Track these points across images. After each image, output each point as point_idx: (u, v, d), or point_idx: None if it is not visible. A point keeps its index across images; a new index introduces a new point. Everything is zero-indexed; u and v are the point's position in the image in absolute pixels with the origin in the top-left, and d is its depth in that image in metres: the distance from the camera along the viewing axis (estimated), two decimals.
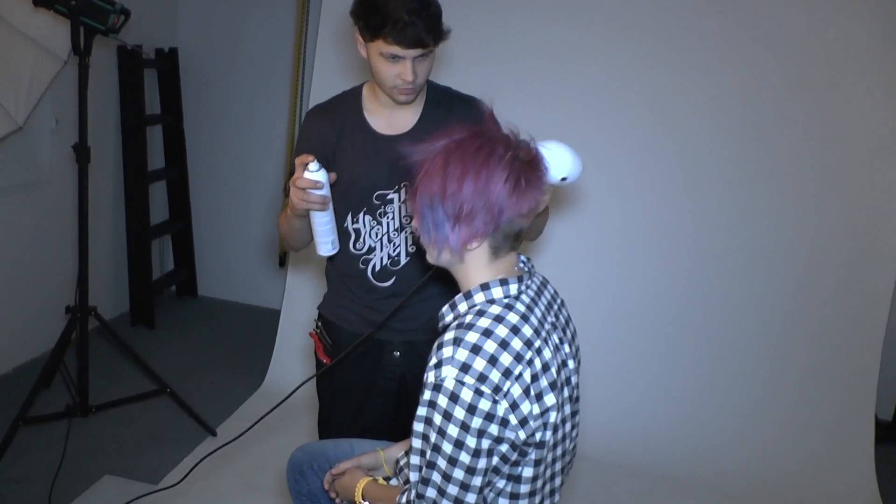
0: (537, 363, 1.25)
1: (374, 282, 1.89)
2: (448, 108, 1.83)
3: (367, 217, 1.85)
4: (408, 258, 1.88)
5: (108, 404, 2.94)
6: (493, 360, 1.19)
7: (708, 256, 3.16)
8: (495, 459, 1.22)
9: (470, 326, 1.24)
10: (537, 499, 1.31)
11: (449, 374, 1.19)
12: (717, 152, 3.11)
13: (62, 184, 3.57)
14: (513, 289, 1.30)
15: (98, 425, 3.01)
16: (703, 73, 3.08)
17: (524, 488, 1.28)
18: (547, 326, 1.32)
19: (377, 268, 1.89)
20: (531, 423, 1.23)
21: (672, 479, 3.05)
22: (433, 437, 1.21)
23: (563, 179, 1.43)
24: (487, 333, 1.22)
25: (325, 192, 1.64)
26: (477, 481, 1.20)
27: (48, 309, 3.48)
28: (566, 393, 1.34)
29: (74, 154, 2.66)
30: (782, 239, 3.11)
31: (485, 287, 1.30)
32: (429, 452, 1.22)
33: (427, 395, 1.22)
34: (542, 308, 1.35)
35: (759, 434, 3.16)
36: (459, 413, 1.18)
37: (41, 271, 3.59)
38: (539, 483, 1.30)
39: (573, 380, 1.39)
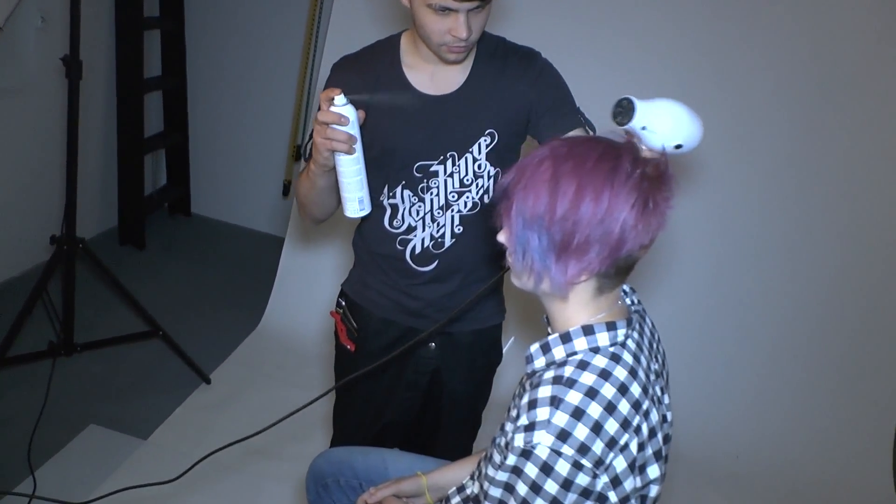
0: (644, 429, 1.02)
1: (413, 265, 1.63)
2: (502, 63, 1.55)
3: (407, 192, 1.58)
4: (453, 240, 1.61)
5: (95, 343, 2.70)
6: (597, 428, 0.97)
7: (739, 248, 2.93)
8: None
9: (572, 383, 1.00)
10: None
11: (543, 440, 0.96)
12: (749, 144, 2.84)
13: (50, 91, 3.20)
14: (620, 334, 1.05)
15: (83, 366, 2.78)
16: (738, 59, 2.79)
17: None
18: (652, 378, 1.09)
19: (417, 250, 1.62)
20: (632, 500, 1.01)
21: (697, 472, 2.88)
22: None
23: (678, 147, 1.13)
24: (592, 394, 0.98)
25: (353, 129, 1.37)
26: None
27: (30, 226, 3.20)
28: (664, 452, 1.10)
29: (64, 67, 2.33)
30: (817, 229, 2.87)
31: (588, 331, 1.05)
32: None
33: (511, 460, 0.99)
34: (646, 352, 1.10)
35: (792, 429, 2.99)
36: (551, 487, 0.96)
37: (24, 185, 3.28)
38: None
39: (670, 434, 1.15)
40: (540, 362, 1.08)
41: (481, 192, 1.58)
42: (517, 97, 1.54)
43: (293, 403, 2.88)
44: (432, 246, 1.62)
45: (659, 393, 1.10)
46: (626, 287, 1.18)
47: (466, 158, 1.55)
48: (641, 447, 1.01)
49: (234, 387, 2.86)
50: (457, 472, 1.42)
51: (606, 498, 0.99)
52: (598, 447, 0.96)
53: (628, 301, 1.17)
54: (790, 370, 2.98)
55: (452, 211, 1.59)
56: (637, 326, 1.11)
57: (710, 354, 3.00)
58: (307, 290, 3.31)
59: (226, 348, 3.10)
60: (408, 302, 1.67)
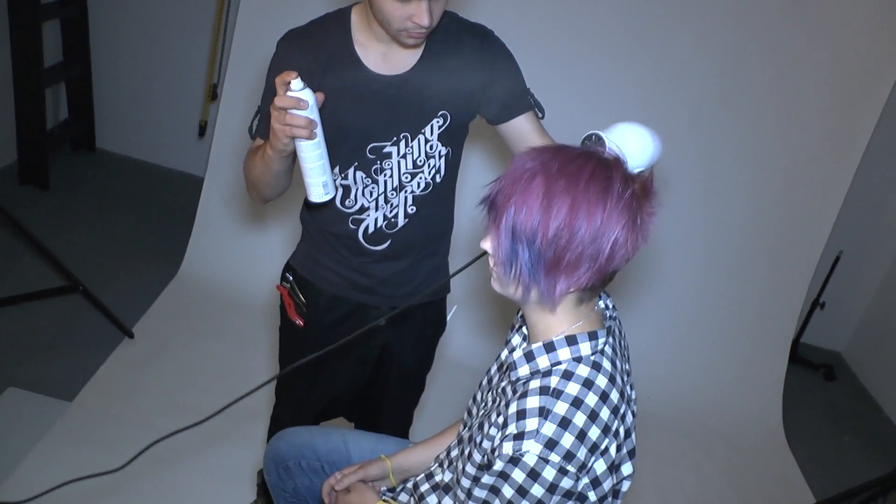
0: (621, 431, 1.11)
1: (366, 244, 1.63)
2: (455, 42, 1.53)
3: (360, 174, 1.56)
4: (406, 220, 1.62)
5: (7, 300, 2.58)
6: (581, 436, 1.04)
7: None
8: None
9: (558, 394, 1.06)
10: None
11: (532, 449, 1.02)
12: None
13: None
14: (601, 343, 1.11)
15: None
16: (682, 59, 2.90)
17: None
18: (626, 378, 1.17)
19: (371, 230, 1.62)
20: (609, 498, 1.10)
21: None
22: None
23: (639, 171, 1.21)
24: (577, 403, 1.05)
25: (312, 114, 1.33)
26: None
27: None
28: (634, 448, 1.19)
29: None
30: (724, 183, 3.06)
31: (571, 341, 1.10)
32: None
33: (499, 465, 1.05)
34: (620, 354, 1.17)
35: (684, 360, 3.23)
36: (537, 491, 1.03)
37: None
38: None
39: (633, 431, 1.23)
40: (524, 370, 1.12)
41: (433, 171, 1.59)
42: (470, 77, 1.53)
43: (221, 359, 2.89)
44: (385, 226, 1.61)
45: (630, 391, 1.18)
46: (602, 293, 1.23)
47: (419, 139, 1.54)
48: (619, 448, 1.09)
49: (159, 341, 2.80)
50: (420, 455, 1.48)
51: (586, 497, 1.06)
52: (581, 453, 1.03)
53: (602, 304, 1.22)
54: (693, 314, 3.19)
55: (406, 192, 1.59)
56: (615, 331, 1.17)
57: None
58: (228, 234, 3.23)
59: (146, 298, 3.02)
60: (359, 279, 1.68)
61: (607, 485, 1.08)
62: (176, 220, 3.48)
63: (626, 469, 1.13)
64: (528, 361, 1.12)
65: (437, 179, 1.60)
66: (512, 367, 1.15)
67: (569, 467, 1.02)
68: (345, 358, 1.77)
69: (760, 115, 2.97)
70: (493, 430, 1.10)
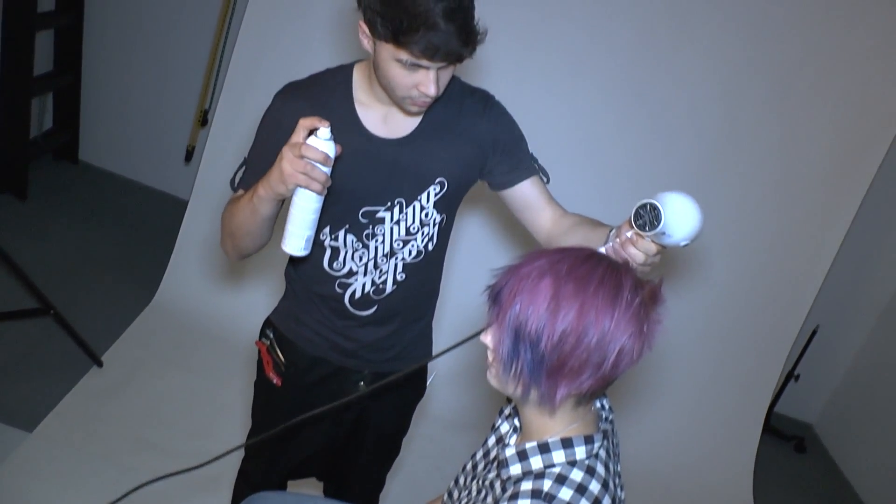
0: None
1: (351, 309, 1.58)
2: (457, 107, 1.49)
3: (351, 237, 1.51)
4: (395, 286, 1.57)
5: None
6: None
7: None
8: None
9: (551, 499, 1.02)
10: None
11: None
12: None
13: None
14: (596, 447, 1.08)
15: None
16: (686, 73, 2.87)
17: None
18: (618, 481, 1.14)
19: (357, 294, 1.57)
20: None
21: None
22: None
23: (685, 245, 1.17)
24: None
25: (329, 171, 1.28)
26: None
27: None
28: None
29: None
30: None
31: (567, 444, 1.07)
32: None
33: None
34: (613, 457, 1.15)
35: (658, 428, 3.21)
36: None
37: None
38: None
39: None
40: (516, 469, 1.09)
41: (426, 239, 1.55)
42: (472, 144, 1.50)
43: (191, 393, 2.82)
44: (373, 292, 1.57)
45: (620, 494, 1.15)
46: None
47: (414, 206, 1.50)
48: None
49: (128, 370, 2.73)
50: None
51: None
52: None
53: (598, 405, 1.20)
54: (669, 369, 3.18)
55: (396, 259, 1.54)
56: (609, 434, 1.15)
57: None
58: (207, 262, 3.18)
59: (118, 324, 2.94)
60: (342, 342, 1.63)
61: None
62: (156, 242, 3.41)
63: None
64: (520, 461, 1.09)
65: (430, 247, 1.56)
66: (503, 464, 1.11)
67: None
68: (320, 420, 1.71)
69: (747, 186, 2.98)
70: None
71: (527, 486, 1.05)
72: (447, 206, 1.54)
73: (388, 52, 1.28)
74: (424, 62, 1.27)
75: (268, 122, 1.46)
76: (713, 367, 3.21)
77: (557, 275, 1.00)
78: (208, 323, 3.08)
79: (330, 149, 1.26)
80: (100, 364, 2.68)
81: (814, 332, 3.48)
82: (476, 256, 2.86)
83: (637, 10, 2.80)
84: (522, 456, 1.09)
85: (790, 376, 3.49)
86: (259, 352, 1.72)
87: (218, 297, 3.14)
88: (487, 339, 1.07)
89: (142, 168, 3.98)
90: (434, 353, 1.81)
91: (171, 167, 3.86)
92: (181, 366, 2.85)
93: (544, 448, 1.08)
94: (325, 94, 1.46)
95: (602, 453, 1.10)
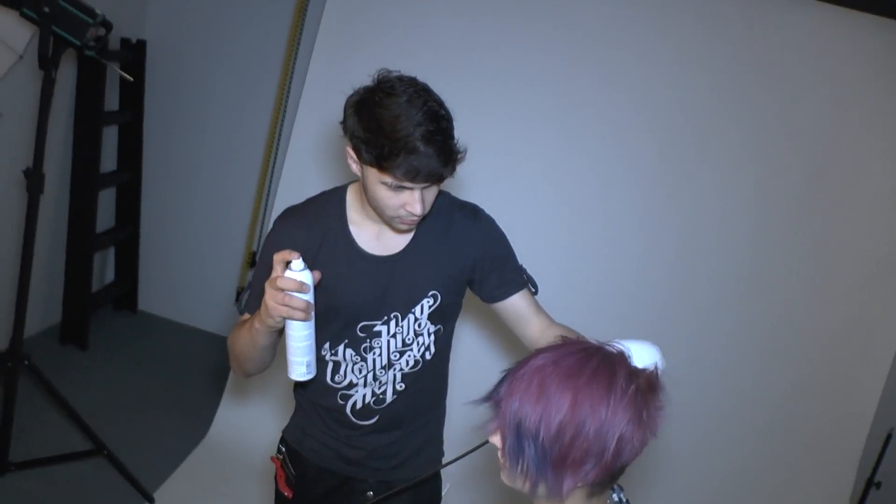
0: None
1: (354, 419, 1.61)
2: (447, 222, 1.55)
3: (350, 351, 1.56)
4: (395, 396, 1.60)
5: (32, 462, 2.56)
6: None
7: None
8: None
9: None
10: None
11: None
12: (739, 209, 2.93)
13: (3, 187, 3.11)
14: None
15: (16, 486, 2.61)
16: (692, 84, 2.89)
17: None
18: None
19: (359, 405, 1.60)
20: None
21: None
22: None
23: None
24: None
25: (311, 297, 1.32)
26: None
27: None
28: None
29: (24, 178, 2.27)
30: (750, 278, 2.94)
31: None
32: None
33: None
34: None
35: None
36: None
37: None
38: None
39: None
40: None
41: (423, 349, 1.58)
42: (462, 257, 1.55)
43: None
44: (374, 402, 1.60)
45: None
46: (614, 487, 1.17)
47: (409, 319, 1.54)
48: None
49: None
50: None
51: None
52: None
53: (616, 498, 1.16)
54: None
55: (394, 370, 1.57)
56: None
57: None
58: (259, 400, 3.21)
59: (171, 461, 2.97)
60: (347, 452, 1.64)
61: None
62: (209, 382, 3.48)
63: None
64: None
65: (427, 356, 1.59)
66: None
67: None
68: None
69: (794, 288, 2.92)
70: None
71: None
72: (442, 316, 1.58)
73: (373, 175, 1.35)
74: (408, 184, 1.33)
75: (270, 245, 1.52)
76: (785, 474, 3.03)
77: (551, 369, 1.01)
78: (261, 460, 3.07)
79: (305, 277, 1.30)
80: (151, 500, 2.69)
81: (888, 438, 3.28)
82: (485, 357, 2.84)
83: (658, 127, 2.89)
84: None
85: (870, 483, 3.27)
86: (276, 467, 1.74)
87: (270, 434, 3.14)
88: (496, 439, 1.07)
89: (195, 312, 4.12)
90: (445, 458, 1.79)
91: (221, 308, 3.99)
92: (231, 500, 2.83)
93: None
94: (320, 216, 1.53)
95: None
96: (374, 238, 1.51)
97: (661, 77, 2.85)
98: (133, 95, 3.85)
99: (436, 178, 1.34)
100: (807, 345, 2.95)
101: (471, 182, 2.62)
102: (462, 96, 2.74)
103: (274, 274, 1.31)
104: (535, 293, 1.63)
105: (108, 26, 2.17)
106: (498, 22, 2.93)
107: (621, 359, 1.03)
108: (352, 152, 1.39)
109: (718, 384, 2.97)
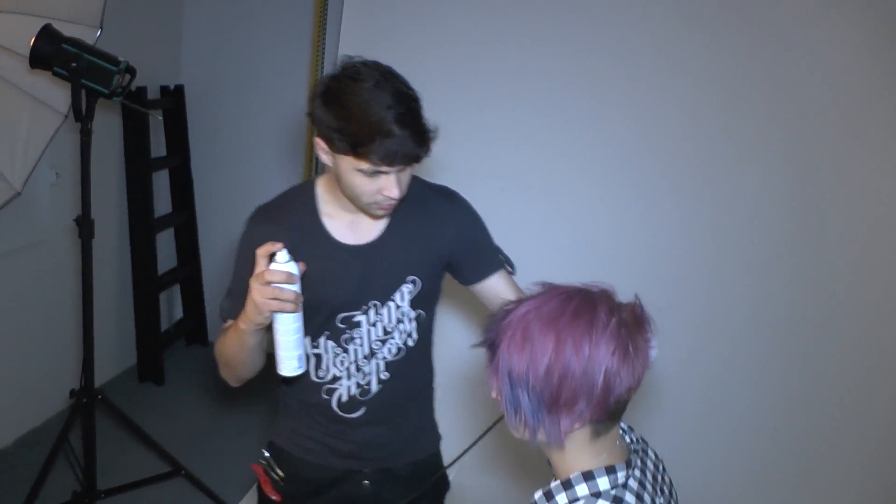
0: None
1: (341, 413, 1.59)
2: (422, 207, 1.54)
3: (330, 343, 1.54)
4: (380, 386, 1.57)
5: (119, 488, 2.71)
6: None
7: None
8: None
9: None
10: None
11: None
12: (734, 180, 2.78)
13: (66, 244, 3.33)
14: (620, 476, 1.07)
15: None
16: (696, 76, 2.77)
17: None
18: None
19: (344, 398, 1.58)
20: None
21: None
22: None
23: None
24: None
25: (299, 287, 1.32)
26: None
27: (50, 376, 3.26)
28: None
29: (77, 227, 2.43)
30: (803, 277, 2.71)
31: (588, 476, 1.06)
32: None
33: None
34: (650, 488, 1.11)
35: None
36: None
37: (43, 336, 3.36)
38: None
39: None
40: None
41: (405, 336, 1.57)
42: (439, 241, 1.55)
43: None
44: (359, 394, 1.57)
45: None
46: (623, 425, 1.20)
47: (389, 306, 1.53)
48: None
49: None
50: None
51: None
52: None
53: (627, 439, 1.18)
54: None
55: (377, 358, 1.55)
56: (639, 464, 1.13)
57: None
58: None
59: (248, 478, 3.09)
60: (340, 445, 1.62)
61: None
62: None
63: None
64: (547, 501, 1.09)
65: (410, 343, 1.58)
66: None
67: None
68: None
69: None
70: None
71: None
72: (423, 302, 1.56)
73: (348, 163, 1.34)
74: (384, 168, 1.32)
75: (244, 246, 1.50)
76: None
77: (534, 315, 1.04)
78: None
79: (292, 268, 1.31)
80: None
81: None
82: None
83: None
84: (549, 496, 1.09)
85: None
86: (258, 475, 1.71)
87: None
88: (494, 392, 1.10)
89: None
90: (441, 438, 1.78)
91: None
92: None
93: (567, 485, 1.07)
94: (292, 211, 1.52)
95: (632, 483, 1.08)
96: (348, 228, 1.50)
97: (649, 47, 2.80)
98: (178, 139, 4.06)
99: (412, 159, 1.33)
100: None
101: (488, 175, 2.67)
102: (484, 89, 2.83)
103: (258, 269, 1.31)
104: (513, 273, 1.63)
105: (132, 72, 2.32)
106: (520, 15, 2.91)
107: (602, 295, 1.06)
108: (322, 143, 1.37)
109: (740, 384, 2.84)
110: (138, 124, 3.69)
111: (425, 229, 1.53)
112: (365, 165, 1.31)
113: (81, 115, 2.32)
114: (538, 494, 1.11)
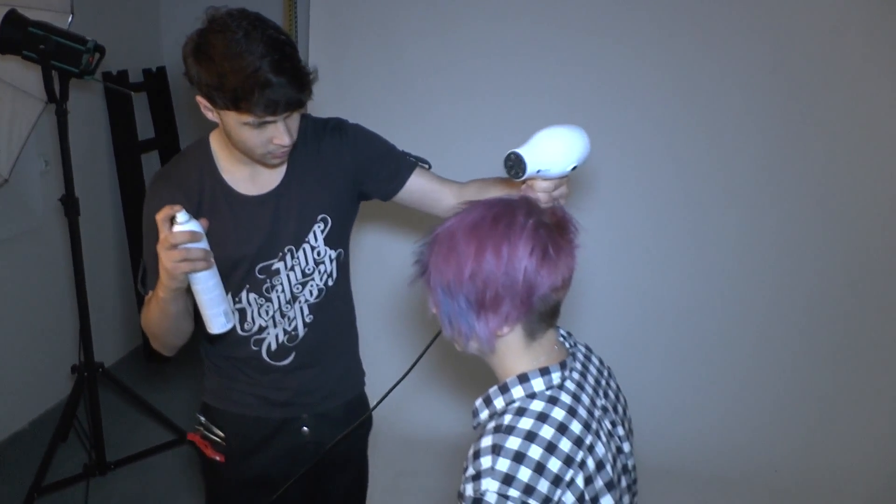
0: (590, 463, 1.07)
1: (271, 361, 1.60)
2: (316, 145, 1.54)
3: (252, 295, 1.54)
4: (306, 329, 1.59)
5: (127, 459, 2.81)
6: (539, 468, 1.02)
7: (717, 257, 2.95)
8: None
9: (510, 430, 1.06)
10: None
11: (490, 486, 1.01)
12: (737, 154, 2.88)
13: (58, 228, 3.40)
14: (555, 377, 1.12)
15: (118, 483, 2.87)
16: (706, 67, 2.83)
17: None
18: (597, 413, 1.14)
19: (273, 347, 1.58)
20: None
21: (678, 476, 2.85)
22: None
23: (574, 168, 1.26)
24: (531, 437, 1.04)
25: (206, 244, 1.32)
26: None
27: (56, 359, 3.35)
28: (623, 483, 1.16)
29: (62, 206, 2.50)
30: (797, 231, 2.85)
31: (523, 379, 1.12)
32: None
33: None
34: (590, 390, 1.17)
35: (778, 432, 2.94)
36: None
37: (44, 321, 3.44)
38: None
39: (630, 464, 1.21)
40: (484, 415, 1.14)
41: (325, 276, 1.58)
42: (341, 174, 1.55)
43: None
44: (287, 340, 1.58)
45: (609, 426, 1.16)
46: (563, 331, 1.25)
47: (304, 249, 1.54)
48: (589, 480, 1.06)
49: None
50: None
51: None
52: (543, 486, 1.01)
53: (567, 345, 1.23)
54: (771, 373, 2.96)
55: (300, 302, 1.56)
56: (578, 367, 1.18)
57: (688, 357, 3.01)
58: None
59: None
60: (274, 395, 1.62)
61: None
62: None
63: (606, 502, 1.08)
64: (486, 406, 1.14)
65: (330, 283, 1.59)
66: (475, 413, 1.17)
67: (531, 501, 1.00)
68: (281, 484, 1.65)
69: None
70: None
71: (490, 424, 1.09)
72: (338, 239, 1.58)
73: (232, 118, 1.32)
74: (270, 118, 1.30)
75: (148, 215, 1.44)
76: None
77: (457, 226, 1.09)
78: None
79: (193, 226, 1.30)
80: None
81: None
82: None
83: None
84: (487, 401, 1.14)
85: None
86: (195, 444, 1.69)
87: None
88: (433, 308, 1.15)
89: None
90: (367, 377, 1.80)
91: None
92: None
93: (504, 388, 1.12)
94: (191, 171, 1.49)
95: (569, 384, 1.12)
96: (248, 180, 1.49)
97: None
98: (165, 121, 4.10)
99: (295, 105, 1.32)
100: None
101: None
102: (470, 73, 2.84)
103: (162, 235, 1.29)
104: (430, 168, 1.62)
105: (101, 50, 2.37)
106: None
107: (522, 201, 1.11)
108: (204, 101, 1.34)
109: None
110: (122, 108, 3.74)
111: (323, 165, 1.53)
112: (250, 118, 1.30)
113: (56, 97, 2.37)
114: (478, 402, 1.16)
